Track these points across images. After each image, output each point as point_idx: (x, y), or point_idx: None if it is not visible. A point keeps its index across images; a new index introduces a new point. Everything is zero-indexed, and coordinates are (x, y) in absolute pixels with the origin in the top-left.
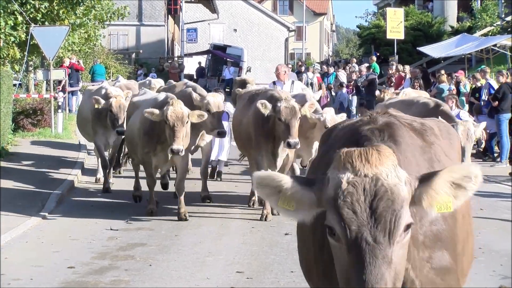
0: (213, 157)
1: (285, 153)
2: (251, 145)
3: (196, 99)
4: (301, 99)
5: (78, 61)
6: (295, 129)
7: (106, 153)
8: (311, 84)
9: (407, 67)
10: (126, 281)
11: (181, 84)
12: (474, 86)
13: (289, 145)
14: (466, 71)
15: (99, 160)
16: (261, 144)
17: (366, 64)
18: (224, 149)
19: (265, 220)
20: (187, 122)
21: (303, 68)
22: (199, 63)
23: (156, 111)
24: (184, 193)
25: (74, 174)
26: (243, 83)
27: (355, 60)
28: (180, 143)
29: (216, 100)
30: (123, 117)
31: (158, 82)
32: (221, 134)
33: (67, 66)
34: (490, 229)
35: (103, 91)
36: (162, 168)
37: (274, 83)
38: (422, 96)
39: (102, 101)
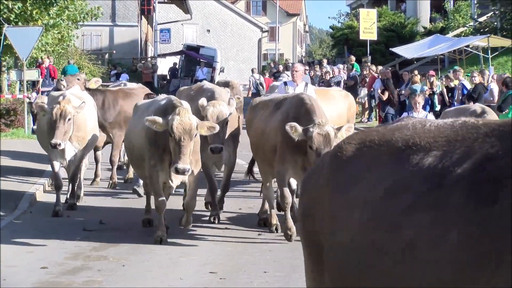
0: None
1: None
2: (274, 156)
3: (201, 107)
4: None
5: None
6: None
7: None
8: (261, 84)
9: (380, 68)
10: (99, 282)
11: (198, 87)
12: (446, 85)
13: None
14: (439, 72)
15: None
16: (287, 157)
17: (340, 65)
18: None
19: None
20: (196, 135)
21: (281, 68)
22: (174, 63)
23: (159, 119)
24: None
25: (32, 192)
26: (226, 86)
27: (326, 61)
28: (187, 161)
29: (216, 110)
30: (63, 127)
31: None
32: (213, 150)
33: (46, 67)
34: None
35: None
36: (172, 184)
37: (285, 83)
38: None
39: (45, 107)
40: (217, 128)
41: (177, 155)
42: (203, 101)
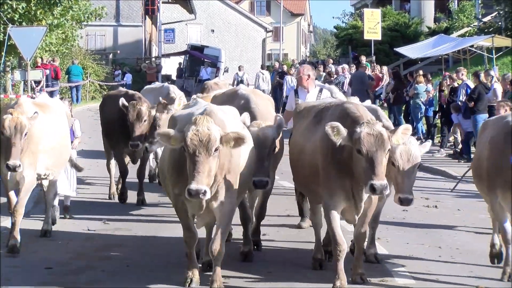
0: (61, 191)
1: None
2: (317, 182)
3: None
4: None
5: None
6: (381, 167)
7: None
8: (241, 81)
9: (385, 68)
10: (103, 282)
11: (233, 92)
12: (450, 85)
13: (373, 190)
14: (444, 72)
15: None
16: (334, 182)
17: (345, 65)
18: (72, 181)
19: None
20: (217, 149)
21: (285, 68)
22: (180, 63)
23: (172, 132)
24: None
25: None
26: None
27: (331, 60)
28: (203, 181)
29: (261, 133)
30: (20, 144)
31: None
32: (257, 185)
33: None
34: (467, 229)
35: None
36: (200, 218)
37: (296, 91)
38: None
39: None
40: (247, 139)
41: (190, 174)
42: (243, 117)
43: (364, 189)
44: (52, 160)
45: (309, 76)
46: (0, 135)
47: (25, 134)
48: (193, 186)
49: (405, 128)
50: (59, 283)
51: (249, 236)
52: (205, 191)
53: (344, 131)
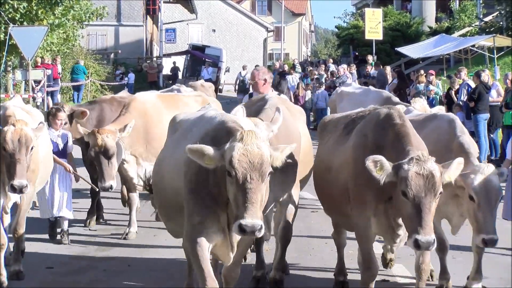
0: (52, 213)
1: None
2: (348, 202)
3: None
4: None
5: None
6: (429, 216)
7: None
8: (242, 81)
9: (388, 68)
10: (105, 282)
11: (260, 97)
12: (449, 86)
13: (417, 246)
14: (445, 72)
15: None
16: (368, 205)
17: (344, 65)
18: (63, 198)
19: None
20: (270, 173)
21: (286, 68)
22: (174, 63)
23: (209, 150)
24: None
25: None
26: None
27: (331, 60)
28: (258, 215)
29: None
30: (25, 160)
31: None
32: None
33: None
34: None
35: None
36: (223, 255)
37: (250, 96)
38: None
39: None
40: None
41: (240, 206)
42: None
43: (407, 240)
44: (39, 176)
45: (265, 80)
46: (1, 151)
47: (31, 149)
48: (249, 221)
49: (459, 162)
50: (60, 283)
51: (262, 258)
52: (261, 227)
53: (388, 166)
